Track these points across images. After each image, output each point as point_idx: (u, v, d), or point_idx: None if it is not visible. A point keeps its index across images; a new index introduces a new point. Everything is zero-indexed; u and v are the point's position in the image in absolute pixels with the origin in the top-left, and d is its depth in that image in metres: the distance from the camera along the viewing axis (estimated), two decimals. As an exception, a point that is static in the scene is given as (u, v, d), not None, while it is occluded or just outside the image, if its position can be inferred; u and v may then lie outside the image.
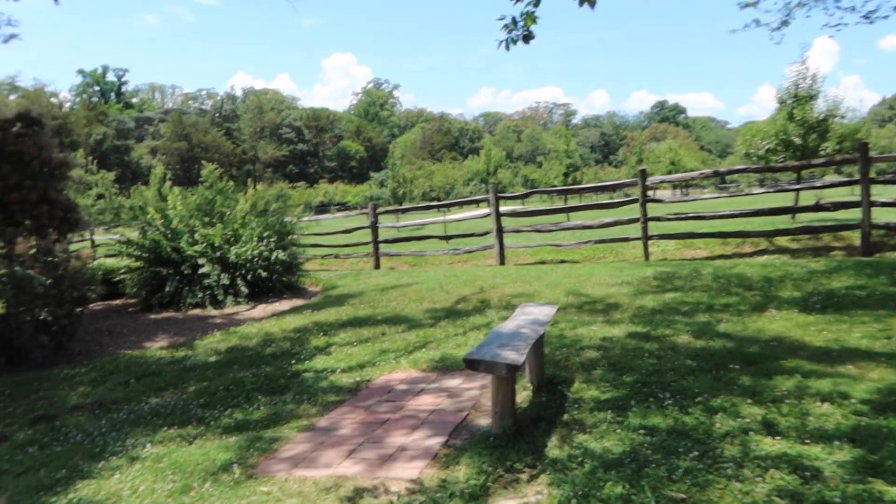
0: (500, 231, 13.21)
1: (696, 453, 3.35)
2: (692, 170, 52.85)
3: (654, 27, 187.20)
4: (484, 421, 4.20)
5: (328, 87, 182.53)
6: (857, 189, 9.75)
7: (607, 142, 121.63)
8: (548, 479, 3.27)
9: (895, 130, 66.10)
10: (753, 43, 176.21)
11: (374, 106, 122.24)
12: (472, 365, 3.55)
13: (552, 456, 3.50)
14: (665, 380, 4.59)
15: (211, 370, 6.20)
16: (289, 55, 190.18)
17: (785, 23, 8.60)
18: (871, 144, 10.31)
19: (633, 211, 12.12)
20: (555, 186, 31.21)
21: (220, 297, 10.26)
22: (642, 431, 3.71)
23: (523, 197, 15.58)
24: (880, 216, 10.25)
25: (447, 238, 15.29)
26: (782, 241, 11.17)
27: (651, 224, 11.66)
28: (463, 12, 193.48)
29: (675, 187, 53.86)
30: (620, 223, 12.40)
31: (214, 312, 9.91)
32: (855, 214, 10.04)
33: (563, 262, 12.59)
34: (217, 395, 5.31)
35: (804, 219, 13.05)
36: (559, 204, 32.53)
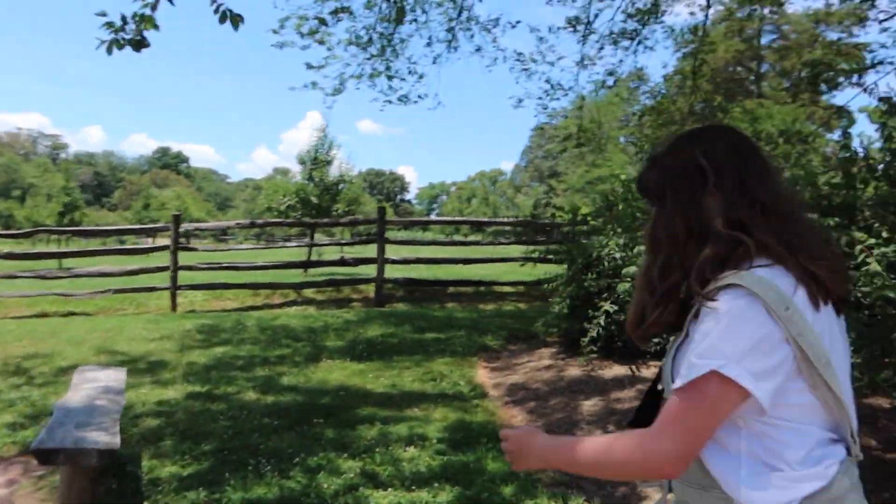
0: (-13, 277, 10.71)
1: (319, 521, 3.15)
2: (199, 220, 52.76)
3: (158, 71, 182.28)
4: (29, 529, 3.18)
5: None
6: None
7: (101, 182, 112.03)
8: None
9: (370, 200, 78.74)
10: (249, 109, 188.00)
11: None
12: (45, 457, 2.63)
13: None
14: (251, 443, 4.26)
15: None
16: None
17: (338, 91, 9.36)
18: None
19: (161, 259, 11.25)
20: (47, 226, 27.12)
21: None
22: (251, 507, 3.32)
23: (27, 235, 12.93)
24: (390, 273, 11.77)
25: None
26: (309, 292, 11.84)
27: (181, 273, 11.04)
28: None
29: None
30: (147, 271, 11.41)
31: None
32: (371, 270, 11.33)
33: (71, 314, 10.85)
34: None
35: (318, 272, 14.08)
36: (55, 248, 28.26)
